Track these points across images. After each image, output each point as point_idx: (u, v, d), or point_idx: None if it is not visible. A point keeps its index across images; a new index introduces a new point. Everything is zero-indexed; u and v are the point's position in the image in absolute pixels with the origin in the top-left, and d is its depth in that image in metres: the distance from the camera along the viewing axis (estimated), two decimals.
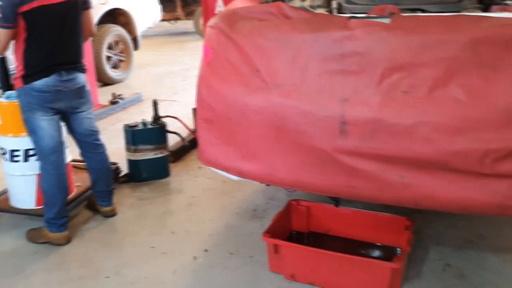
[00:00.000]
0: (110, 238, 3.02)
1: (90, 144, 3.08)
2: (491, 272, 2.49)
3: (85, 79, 2.97)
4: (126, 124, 3.77)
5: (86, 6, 2.95)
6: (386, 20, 2.04)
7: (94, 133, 3.08)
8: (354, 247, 2.67)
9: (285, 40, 2.17)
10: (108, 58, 6.80)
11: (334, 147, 2.12)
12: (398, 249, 2.49)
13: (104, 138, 3.20)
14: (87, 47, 3.01)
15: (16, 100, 2.86)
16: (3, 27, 2.62)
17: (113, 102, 5.56)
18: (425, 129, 1.90)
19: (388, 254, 2.54)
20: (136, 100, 5.92)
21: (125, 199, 3.47)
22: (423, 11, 2.68)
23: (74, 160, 3.39)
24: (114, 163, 3.74)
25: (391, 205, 2.19)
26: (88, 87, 3.01)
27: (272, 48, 2.20)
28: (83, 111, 2.97)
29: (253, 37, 2.25)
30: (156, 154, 3.72)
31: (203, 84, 2.41)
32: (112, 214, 3.22)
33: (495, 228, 2.90)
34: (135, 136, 3.69)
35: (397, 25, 2.00)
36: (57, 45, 2.76)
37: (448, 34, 1.91)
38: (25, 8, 2.59)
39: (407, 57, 1.96)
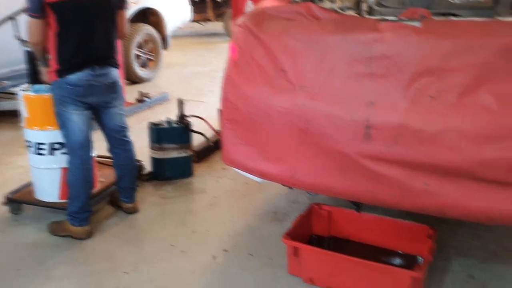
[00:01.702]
0: (131, 234, 3.04)
1: (119, 140, 3.11)
2: None
3: (118, 74, 3.01)
4: (151, 122, 3.80)
5: (122, 5, 3.00)
6: (417, 24, 2.00)
7: (123, 129, 3.12)
8: (375, 253, 2.63)
9: (313, 41, 2.16)
10: (137, 56, 6.88)
11: (357, 151, 2.09)
12: (420, 258, 2.43)
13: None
14: (117, 45, 3.05)
15: (44, 94, 2.92)
16: (32, 16, 2.68)
17: (139, 101, 5.63)
18: (452, 137, 1.86)
19: (409, 262, 2.48)
20: (163, 99, 5.98)
21: (148, 197, 3.50)
22: (455, 15, 2.63)
23: (98, 156, 3.44)
24: (138, 161, 3.78)
25: (414, 212, 2.14)
26: (121, 83, 3.05)
27: (299, 49, 2.19)
28: (115, 107, 3.01)
29: (281, 37, 2.24)
30: (180, 153, 3.74)
31: (229, 83, 2.41)
32: (134, 211, 3.25)
33: None
34: (160, 134, 3.72)
35: (428, 29, 1.97)
36: (90, 40, 2.80)
37: (480, 39, 1.87)
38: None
39: (437, 61, 1.92)
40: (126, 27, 3.13)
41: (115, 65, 2.96)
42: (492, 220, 1.89)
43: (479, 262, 2.63)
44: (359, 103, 2.06)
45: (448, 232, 2.89)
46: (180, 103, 3.87)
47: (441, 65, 1.89)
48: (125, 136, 3.14)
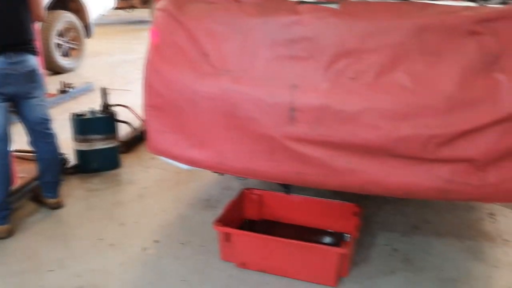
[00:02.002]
0: (56, 230, 2.91)
1: (41, 133, 2.95)
2: (434, 256, 2.56)
3: (37, 62, 2.82)
4: (73, 113, 3.64)
5: None
6: (335, 6, 2.04)
7: (45, 122, 2.95)
8: (305, 233, 2.69)
9: (234, 24, 2.14)
10: (58, 45, 6.56)
11: (283, 134, 2.11)
12: (347, 235, 2.52)
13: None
14: (34, 30, 2.86)
15: None
16: None
17: (62, 91, 5.38)
18: (371, 116, 1.92)
19: (338, 240, 2.56)
20: (87, 89, 5.75)
21: (73, 191, 3.36)
22: None
23: (18, 150, 3.25)
24: (62, 154, 3.61)
25: (339, 191, 2.21)
26: (40, 71, 2.87)
27: (221, 32, 2.17)
28: (35, 97, 2.83)
29: (202, 21, 2.20)
30: (106, 144, 3.62)
31: (150, 69, 2.35)
32: (58, 206, 3.11)
33: (439, 213, 2.99)
34: (83, 125, 3.57)
35: (345, 11, 2.01)
36: (1, 25, 2.61)
37: (394, 20, 1.94)
38: None
39: (354, 43, 1.97)
40: (41, 8, 2.94)
41: (33, 52, 2.78)
42: (410, 194, 1.99)
43: (402, 235, 2.76)
44: (282, 86, 2.08)
45: (373, 209, 3.01)
46: (104, 92, 3.73)
47: (359, 46, 1.95)
48: (48, 128, 2.98)
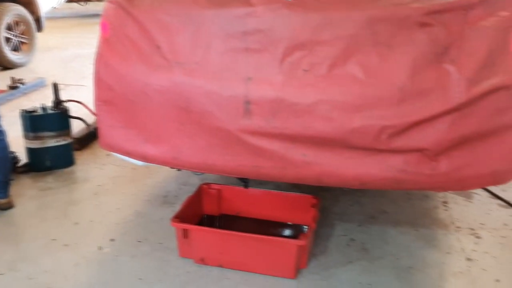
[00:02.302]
0: (6, 232, 2.79)
1: None
2: (390, 245, 2.61)
3: None
4: (23, 110, 3.50)
5: None
6: None
7: None
8: (264, 227, 2.69)
9: (186, 15, 2.09)
10: (8, 39, 6.30)
11: (239, 127, 2.09)
12: (305, 227, 2.53)
13: None
14: None
15: None
16: None
17: (12, 87, 5.17)
18: (324, 107, 1.92)
19: (296, 232, 2.57)
20: (39, 85, 5.55)
21: (25, 190, 3.24)
22: None
23: None
24: (12, 152, 3.47)
25: (296, 183, 2.21)
26: None
27: (173, 24, 2.11)
28: None
29: (153, 12, 2.14)
30: (59, 141, 3.50)
31: (101, 62, 2.27)
32: (8, 206, 2.99)
33: (395, 203, 3.05)
34: (34, 122, 3.44)
35: (298, 3, 1.99)
36: None
37: (346, 12, 1.94)
38: None
39: (307, 35, 1.96)
40: None
41: None
42: (365, 185, 2.01)
43: (359, 225, 2.80)
44: (237, 79, 2.05)
45: (331, 200, 3.04)
46: (56, 87, 3.60)
47: (312, 38, 1.94)
48: None
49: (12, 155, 3.44)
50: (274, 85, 2.00)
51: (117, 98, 2.24)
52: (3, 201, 2.97)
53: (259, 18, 1.98)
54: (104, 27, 2.28)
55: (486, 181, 2.02)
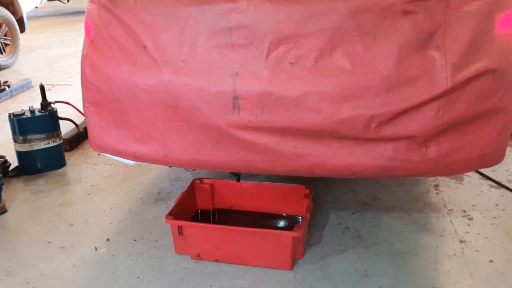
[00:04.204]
0: (0, 237, 2.78)
1: None
2: (384, 231, 2.64)
3: None
4: (11, 113, 3.47)
5: None
6: None
7: None
8: (259, 219, 2.71)
9: (171, 14, 2.09)
10: None
11: (228, 123, 2.09)
12: (300, 217, 2.55)
13: None
14: None
15: None
16: None
17: None
18: (312, 99, 1.93)
19: (291, 223, 2.59)
20: (26, 86, 5.49)
21: (17, 194, 3.22)
22: None
23: None
24: (1, 156, 3.46)
25: (288, 175, 2.22)
26: None
27: (158, 23, 2.11)
28: None
29: (137, 12, 2.13)
30: (48, 143, 3.48)
31: (87, 64, 2.26)
32: (1, 211, 2.97)
33: (387, 189, 3.08)
34: (22, 125, 3.41)
35: None
36: None
37: (329, 3, 1.94)
38: None
39: (292, 28, 1.96)
40: None
41: None
42: (356, 174, 2.02)
43: (353, 213, 2.83)
44: (224, 75, 2.05)
45: (323, 189, 3.07)
46: (42, 89, 3.57)
47: (296, 31, 1.94)
48: None
49: (2, 159, 3.43)
50: (261, 79, 2.00)
51: (105, 99, 2.23)
52: None
53: (243, 13, 1.98)
54: (88, 28, 2.26)
55: (475, 165, 2.05)
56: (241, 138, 2.09)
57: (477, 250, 2.45)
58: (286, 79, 1.96)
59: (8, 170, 3.42)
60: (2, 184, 3.06)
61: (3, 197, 3.03)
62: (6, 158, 3.42)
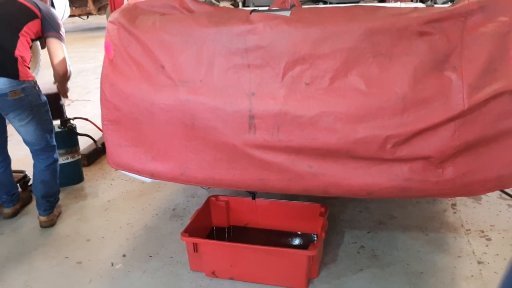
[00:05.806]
0: (18, 251, 2.83)
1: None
2: (400, 251, 2.62)
3: (10, 84, 2.76)
4: None
5: (48, 34, 3.01)
6: (286, 13, 2.05)
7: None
8: (274, 237, 2.71)
9: (188, 35, 2.12)
10: None
11: (244, 142, 2.11)
12: (315, 235, 2.54)
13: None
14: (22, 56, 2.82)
15: None
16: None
17: None
18: (328, 119, 1.94)
19: (306, 241, 2.59)
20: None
21: (35, 209, 3.26)
22: (325, 2, 2.73)
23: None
24: (22, 171, 3.52)
25: (303, 194, 2.22)
26: (19, 94, 2.80)
27: (175, 44, 2.14)
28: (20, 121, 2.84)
29: (156, 33, 2.17)
30: (67, 158, 3.54)
31: (106, 83, 2.30)
32: (50, 223, 3.07)
33: (403, 208, 3.05)
34: None
35: (296, 18, 2.02)
36: None
37: (344, 25, 1.95)
38: None
39: (308, 49, 1.98)
40: (60, 60, 3.09)
41: (6, 74, 2.73)
42: (372, 194, 2.02)
43: (368, 232, 2.81)
44: (240, 95, 2.07)
45: (339, 207, 3.06)
46: (62, 106, 3.63)
47: (312, 52, 1.96)
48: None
49: (22, 173, 3.49)
50: (277, 99, 2.02)
51: (124, 118, 2.27)
52: (43, 218, 3.03)
53: (259, 35, 2.00)
54: (107, 48, 2.31)
55: (492, 186, 2.02)
56: (257, 157, 2.10)
57: (495, 272, 2.41)
58: (302, 99, 1.97)
59: (27, 184, 3.48)
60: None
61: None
62: (26, 173, 3.49)
